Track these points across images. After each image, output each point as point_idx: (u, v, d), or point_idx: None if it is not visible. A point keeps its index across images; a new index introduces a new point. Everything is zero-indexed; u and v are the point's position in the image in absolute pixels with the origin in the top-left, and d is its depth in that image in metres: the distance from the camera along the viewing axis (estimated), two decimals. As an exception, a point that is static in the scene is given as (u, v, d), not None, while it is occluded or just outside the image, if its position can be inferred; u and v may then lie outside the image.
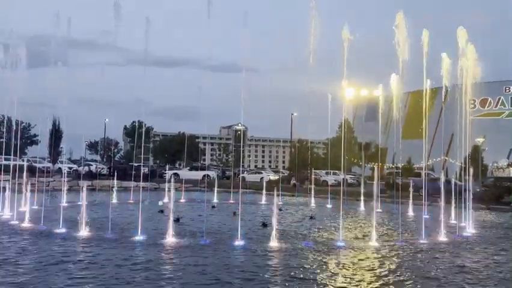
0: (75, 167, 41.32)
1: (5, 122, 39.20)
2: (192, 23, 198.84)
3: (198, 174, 39.75)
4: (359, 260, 9.11)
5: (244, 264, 8.41)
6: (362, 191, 20.63)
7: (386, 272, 8.05)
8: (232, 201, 21.49)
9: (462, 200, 15.09)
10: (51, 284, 6.75)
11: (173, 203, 11.23)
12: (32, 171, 20.81)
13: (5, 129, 36.47)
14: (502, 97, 71.69)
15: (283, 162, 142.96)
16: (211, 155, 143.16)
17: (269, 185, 25.65)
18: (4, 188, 15.44)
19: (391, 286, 7.17)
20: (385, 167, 49.78)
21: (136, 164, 31.33)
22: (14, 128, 22.19)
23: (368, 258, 9.33)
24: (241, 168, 60.24)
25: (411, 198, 19.63)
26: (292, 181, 37.05)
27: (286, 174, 47.46)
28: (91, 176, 32.74)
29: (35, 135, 56.61)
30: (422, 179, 23.07)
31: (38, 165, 26.45)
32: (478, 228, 14.28)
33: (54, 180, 25.80)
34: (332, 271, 8.04)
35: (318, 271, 7.98)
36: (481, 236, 13.09)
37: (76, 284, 6.77)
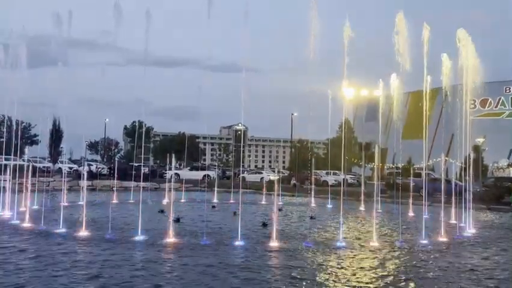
0: (75, 167, 41.31)
1: (5, 121, 39.21)
2: (192, 23, 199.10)
3: (198, 174, 39.78)
4: (359, 260, 9.12)
5: (244, 264, 8.41)
6: (362, 191, 20.65)
7: (386, 272, 8.05)
8: (232, 201, 21.50)
9: (462, 200, 15.10)
10: (51, 284, 6.74)
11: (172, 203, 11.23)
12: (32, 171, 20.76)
13: (5, 129, 36.48)
14: (502, 97, 71.61)
15: (284, 162, 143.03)
16: (212, 155, 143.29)
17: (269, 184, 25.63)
18: (4, 188, 15.44)
19: (391, 286, 7.17)
20: (385, 167, 49.77)
21: (136, 164, 31.34)
22: (14, 128, 22.18)
23: (368, 258, 9.34)
24: (241, 168, 60.29)
25: (411, 198, 19.63)
26: (293, 181, 37.06)
27: (286, 174, 47.47)
28: (91, 176, 32.72)
29: (35, 135, 56.63)
30: (423, 179, 23.05)
31: (38, 165, 26.45)
32: (478, 228, 14.27)
33: (54, 180, 25.81)
34: (332, 271, 8.04)
35: (318, 271, 7.98)
36: (481, 236, 13.07)
37: (75, 284, 6.76)
